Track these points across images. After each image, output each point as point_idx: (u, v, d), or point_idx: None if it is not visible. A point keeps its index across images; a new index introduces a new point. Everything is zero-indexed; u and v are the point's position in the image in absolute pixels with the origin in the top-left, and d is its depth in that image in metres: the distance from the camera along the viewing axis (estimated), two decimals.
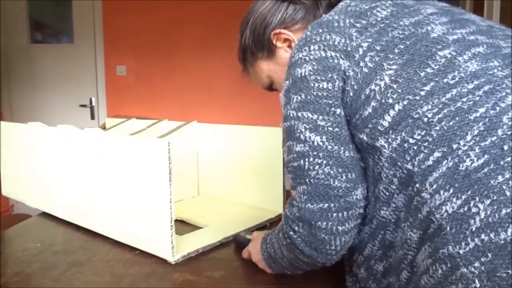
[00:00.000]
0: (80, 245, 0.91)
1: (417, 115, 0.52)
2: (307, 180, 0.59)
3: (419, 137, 0.52)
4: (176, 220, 0.92)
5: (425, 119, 0.52)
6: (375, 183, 0.59)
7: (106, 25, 3.42)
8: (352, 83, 0.57)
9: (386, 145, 0.54)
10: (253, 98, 3.34)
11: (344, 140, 0.58)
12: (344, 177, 0.58)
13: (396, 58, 0.55)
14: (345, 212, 0.58)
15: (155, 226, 0.81)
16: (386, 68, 0.55)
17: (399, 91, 0.54)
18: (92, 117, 3.46)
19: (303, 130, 0.59)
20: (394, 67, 0.55)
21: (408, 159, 0.52)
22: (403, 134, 0.53)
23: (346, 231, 0.59)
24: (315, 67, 0.58)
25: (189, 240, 0.90)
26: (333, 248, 0.60)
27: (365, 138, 0.57)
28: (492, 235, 0.44)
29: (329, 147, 0.58)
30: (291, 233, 0.63)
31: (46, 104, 3.50)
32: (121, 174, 0.88)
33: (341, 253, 0.62)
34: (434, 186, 0.49)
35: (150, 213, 0.82)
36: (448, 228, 0.47)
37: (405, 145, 0.53)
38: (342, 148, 0.58)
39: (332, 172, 0.57)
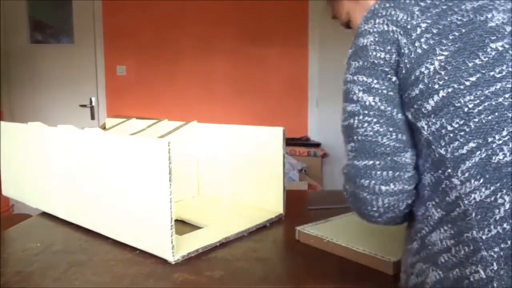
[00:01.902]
0: (80, 245, 0.91)
1: (458, 104, 0.54)
2: (354, 137, 0.61)
3: (457, 126, 0.54)
4: (176, 220, 0.92)
5: (466, 109, 0.53)
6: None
7: (106, 25, 3.42)
8: (406, 60, 0.58)
9: (426, 127, 0.57)
10: (253, 98, 3.34)
11: (397, 103, 0.60)
12: (394, 136, 0.59)
13: (449, 44, 0.56)
14: (390, 172, 0.58)
15: (155, 226, 0.81)
16: (438, 53, 0.56)
17: (446, 78, 0.55)
18: (92, 117, 3.47)
19: (356, 91, 0.61)
20: (445, 53, 0.56)
21: (442, 144, 0.55)
22: (443, 120, 0.55)
23: (391, 193, 0.58)
24: (377, 39, 0.60)
25: (189, 240, 0.90)
26: (375, 209, 0.60)
27: (409, 116, 0.59)
28: None
29: (382, 107, 0.59)
30: (344, 191, 0.65)
31: (46, 104, 3.50)
32: (121, 174, 0.88)
33: (385, 218, 0.61)
34: (466, 175, 0.53)
35: (150, 213, 0.82)
36: (474, 214, 0.51)
37: (443, 131, 0.55)
38: (395, 110, 0.60)
39: (381, 130, 0.59)
